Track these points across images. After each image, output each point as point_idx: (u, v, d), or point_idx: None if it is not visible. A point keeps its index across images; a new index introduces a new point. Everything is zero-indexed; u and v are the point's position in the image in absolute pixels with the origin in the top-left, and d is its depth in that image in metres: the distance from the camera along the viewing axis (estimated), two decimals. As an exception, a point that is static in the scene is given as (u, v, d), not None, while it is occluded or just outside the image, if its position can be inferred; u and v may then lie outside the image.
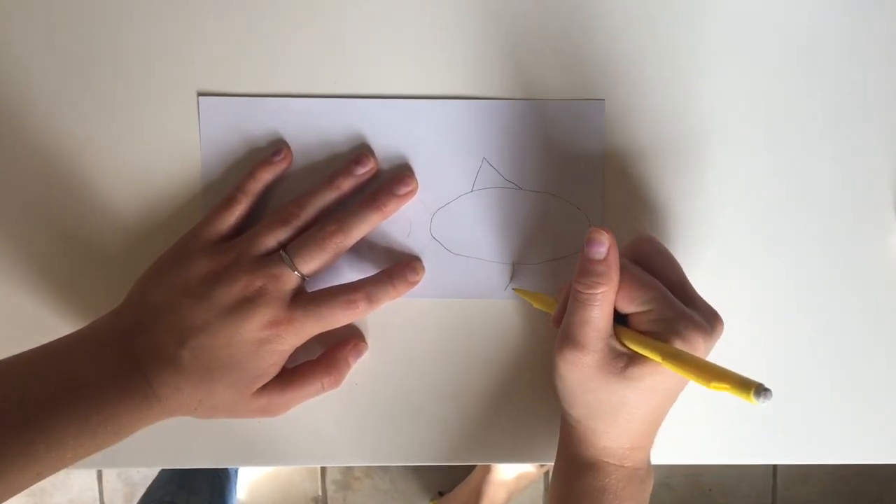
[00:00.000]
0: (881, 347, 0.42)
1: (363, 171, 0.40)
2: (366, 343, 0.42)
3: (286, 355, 0.38)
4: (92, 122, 0.41)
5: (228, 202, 0.40)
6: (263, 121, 0.41)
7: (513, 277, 0.42)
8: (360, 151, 0.41)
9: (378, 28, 0.41)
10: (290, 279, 0.37)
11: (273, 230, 0.38)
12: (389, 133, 0.41)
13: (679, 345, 0.33)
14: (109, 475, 1.18)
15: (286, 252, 0.38)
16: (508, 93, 0.41)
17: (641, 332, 0.34)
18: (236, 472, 1.02)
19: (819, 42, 0.41)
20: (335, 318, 0.38)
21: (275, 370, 0.38)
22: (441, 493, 1.19)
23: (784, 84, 0.42)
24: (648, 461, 0.38)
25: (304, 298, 0.38)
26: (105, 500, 1.19)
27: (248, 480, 1.18)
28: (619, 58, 0.41)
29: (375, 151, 0.41)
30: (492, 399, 0.43)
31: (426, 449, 0.43)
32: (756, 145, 0.42)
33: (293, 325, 0.37)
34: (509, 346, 0.42)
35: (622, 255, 0.36)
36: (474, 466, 1.15)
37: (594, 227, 0.34)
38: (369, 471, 1.19)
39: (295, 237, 0.39)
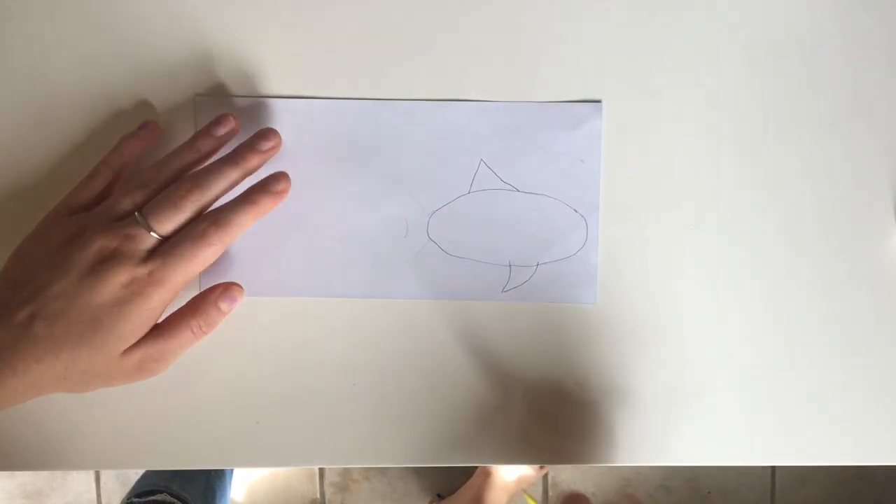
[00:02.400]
0: (880, 348, 0.42)
1: (223, 131, 0.39)
2: (241, 288, 0.40)
3: (157, 313, 0.37)
4: (87, 121, 0.41)
5: (90, 175, 0.40)
6: (259, 122, 0.41)
7: (510, 279, 0.42)
8: (221, 113, 0.40)
9: (375, 31, 0.41)
10: (146, 239, 0.37)
11: (129, 193, 0.38)
12: (386, 134, 0.41)
13: None
14: (107, 476, 1.18)
15: (141, 214, 0.37)
16: (506, 95, 0.41)
17: None
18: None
19: (818, 43, 0.41)
20: (194, 258, 0.37)
21: (142, 330, 0.37)
22: (440, 496, 1.19)
23: (783, 85, 0.42)
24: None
25: (160, 250, 0.37)
26: (103, 501, 1.18)
27: (245, 482, 1.17)
28: (616, 59, 0.41)
29: (372, 152, 0.41)
30: (490, 400, 0.42)
31: (424, 450, 0.43)
32: (755, 146, 0.42)
33: (154, 277, 0.36)
34: (506, 347, 0.42)
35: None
36: (473, 470, 1.15)
37: None
38: (367, 473, 1.19)
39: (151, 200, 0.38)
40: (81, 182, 0.40)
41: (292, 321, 0.42)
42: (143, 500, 0.78)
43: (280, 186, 0.39)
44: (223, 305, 0.39)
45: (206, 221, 0.37)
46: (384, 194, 0.42)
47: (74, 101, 0.41)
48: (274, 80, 0.41)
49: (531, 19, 0.41)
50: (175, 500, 0.78)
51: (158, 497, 0.78)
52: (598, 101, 0.41)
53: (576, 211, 0.42)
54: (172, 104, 0.41)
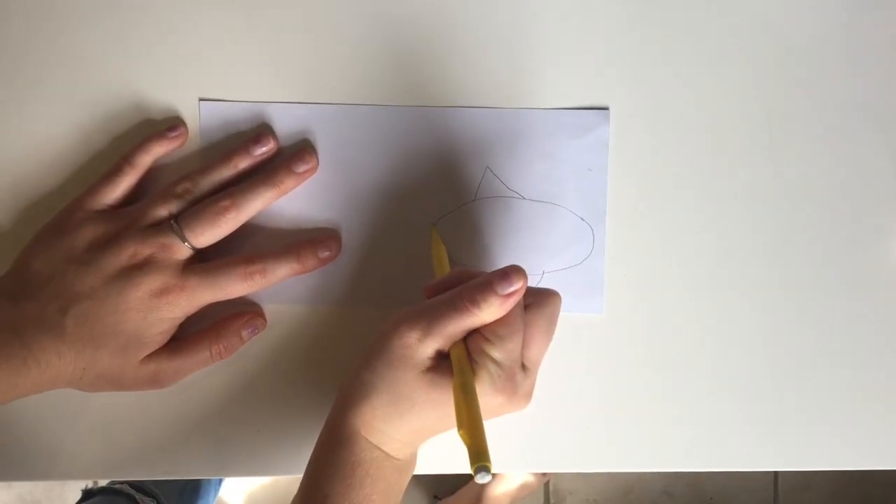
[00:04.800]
0: (882, 352, 0.42)
1: (261, 150, 0.40)
2: (264, 319, 0.41)
3: (177, 323, 0.38)
4: (89, 122, 0.41)
5: (114, 173, 0.39)
6: (263, 127, 0.41)
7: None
8: (260, 131, 0.41)
9: (380, 36, 0.41)
10: (181, 249, 0.37)
11: (165, 201, 0.38)
12: (391, 140, 0.41)
13: (483, 382, 0.33)
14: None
15: (177, 223, 0.38)
16: (512, 102, 0.41)
17: (469, 351, 0.34)
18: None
19: (823, 47, 0.41)
20: (231, 289, 0.38)
21: (164, 338, 0.38)
22: (437, 498, 1.18)
23: (789, 91, 0.41)
24: (411, 456, 0.38)
25: (199, 266, 0.38)
26: (101, 508, 1.17)
27: (244, 489, 1.17)
28: (624, 67, 0.41)
29: (376, 159, 0.41)
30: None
31: (425, 457, 0.42)
32: (762, 153, 0.41)
33: (185, 291, 0.37)
34: (512, 357, 0.42)
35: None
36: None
37: (515, 266, 0.34)
38: (368, 479, 1.18)
39: (186, 210, 0.38)
40: (105, 178, 0.39)
41: (293, 328, 0.42)
42: (98, 488, 0.77)
43: (302, 168, 0.40)
44: (245, 334, 0.40)
45: (257, 266, 0.38)
46: (388, 201, 0.41)
47: (77, 103, 0.41)
48: (278, 84, 0.41)
49: (538, 26, 0.41)
50: (134, 493, 0.76)
51: (116, 486, 0.77)
52: (606, 109, 0.41)
53: (582, 219, 0.41)
54: (177, 108, 0.41)
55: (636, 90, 0.41)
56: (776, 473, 1.19)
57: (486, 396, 0.33)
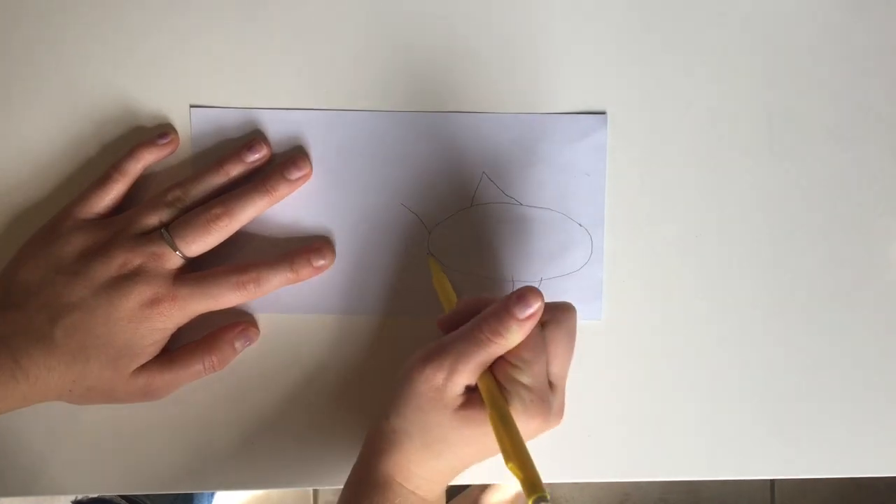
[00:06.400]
0: (881, 359, 0.42)
1: (254, 157, 0.39)
2: (257, 329, 0.41)
3: (168, 334, 0.38)
4: (83, 131, 0.41)
5: (103, 181, 0.39)
6: (256, 134, 0.41)
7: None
8: (253, 137, 0.40)
9: (374, 42, 0.41)
10: (171, 258, 0.37)
11: (156, 210, 0.38)
12: (385, 147, 0.40)
13: (517, 409, 0.33)
14: (96, 498, 1.15)
15: (168, 231, 0.37)
16: (508, 106, 0.41)
17: (497, 380, 0.33)
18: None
19: (823, 49, 0.41)
20: (224, 298, 0.38)
21: (155, 350, 0.38)
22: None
23: (787, 93, 0.41)
24: (441, 495, 0.37)
25: (191, 276, 0.37)
26: (91, 523, 1.16)
27: (238, 500, 1.16)
28: (621, 70, 0.41)
29: (370, 165, 0.40)
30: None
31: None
32: (760, 156, 0.41)
33: (177, 301, 0.37)
34: (510, 365, 0.41)
35: None
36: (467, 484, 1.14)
37: (530, 287, 0.33)
38: (362, 490, 1.17)
39: (177, 219, 0.38)
40: (95, 187, 0.39)
41: (287, 338, 0.41)
42: (88, 499, 0.76)
43: (296, 174, 0.39)
44: (238, 345, 0.40)
45: (250, 276, 0.38)
46: (383, 208, 0.41)
47: (66, 109, 0.41)
48: (271, 90, 0.41)
49: (534, 29, 0.41)
50: (124, 503, 0.76)
51: (106, 497, 0.76)
52: (603, 113, 0.40)
53: (580, 225, 0.41)
54: (167, 114, 0.41)
55: (634, 94, 0.41)
56: (773, 480, 1.19)
57: (522, 422, 0.33)
